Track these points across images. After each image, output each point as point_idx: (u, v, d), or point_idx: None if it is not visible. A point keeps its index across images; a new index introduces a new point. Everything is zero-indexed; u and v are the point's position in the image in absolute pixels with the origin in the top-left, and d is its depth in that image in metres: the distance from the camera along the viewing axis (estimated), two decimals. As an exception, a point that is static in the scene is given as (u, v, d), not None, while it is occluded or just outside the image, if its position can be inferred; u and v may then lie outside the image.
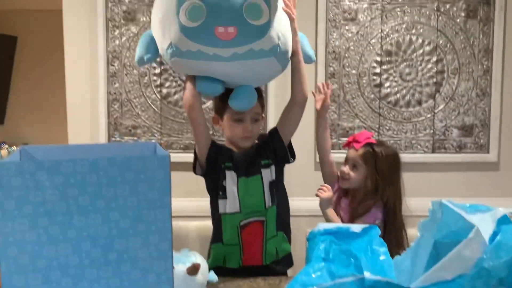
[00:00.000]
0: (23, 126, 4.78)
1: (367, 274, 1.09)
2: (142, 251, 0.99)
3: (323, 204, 1.89)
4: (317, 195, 1.92)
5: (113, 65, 2.47)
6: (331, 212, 1.88)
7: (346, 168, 1.93)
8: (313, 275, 1.18)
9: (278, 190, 1.80)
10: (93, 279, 0.96)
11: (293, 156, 1.85)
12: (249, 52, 1.45)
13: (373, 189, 1.87)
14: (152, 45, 1.62)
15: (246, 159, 1.78)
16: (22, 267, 0.92)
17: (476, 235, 1.04)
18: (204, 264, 1.44)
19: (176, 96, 2.48)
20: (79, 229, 0.95)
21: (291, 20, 1.63)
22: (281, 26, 1.53)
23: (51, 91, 4.60)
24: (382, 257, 1.23)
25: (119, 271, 0.98)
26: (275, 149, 1.81)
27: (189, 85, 1.65)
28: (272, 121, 2.39)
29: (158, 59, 2.39)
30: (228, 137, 1.80)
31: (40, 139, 4.72)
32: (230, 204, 1.74)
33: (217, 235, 1.79)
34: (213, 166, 1.75)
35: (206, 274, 1.46)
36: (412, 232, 1.95)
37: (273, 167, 1.78)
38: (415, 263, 1.19)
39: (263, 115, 1.83)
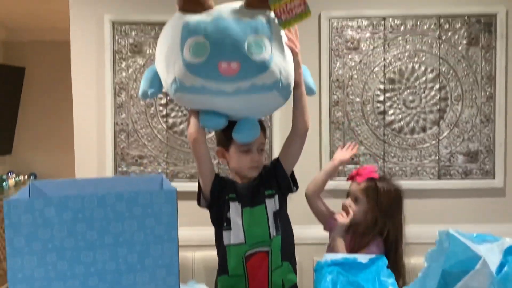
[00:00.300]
0: (30, 155, 4.81)
1: None
2: (150, 286, 1.00)
3: (338, 230, 1.89)
4: (335, 219, 1.92)
5: (120, 96, 2.51)
6: (340, 241, 1.88)
7: (348, 201, 1.94)
8: (321, 307, 1.19)
9: (282, 219, 1.80)
10: (101, 316, 0.96)
11: (296, 185, 1.85)
12: (252, 87, 1.48)
13: (373, 223, 1.88)
14: (156, 79, 1.65)
15: (250, 189, 1.79)
16: (30, 304, 0.93)
17: (483, 266, 1.04)
18: (211, 296, 1.44)
19: (181, 126, 2.51)
20: (87, 265, 0.96)
21: (295, 53, 1.65)
22: (283, 60, 1.56)
23: (58, 121, 4.65)
24: None
25: (127, 306, 0.98)
26: (278, 179, 1.81)
27: (192, 120, 1.67)
28: (277, 151, 2.40)
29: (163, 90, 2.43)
30: (234, 168, 1.81)
31: (47, 169, 4.75)
32: (234, 235, 1.74)
33: (222, 267, 1.79)
34: (217, 198, 1.76)
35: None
36: (418, 260, 1.95)
37: (276, 197, 1.79)
38: None
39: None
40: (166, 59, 1.54)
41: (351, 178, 1.99)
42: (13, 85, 4.66)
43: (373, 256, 1.37)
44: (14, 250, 0.92)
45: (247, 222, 1.74)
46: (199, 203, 1.81)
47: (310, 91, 1.81)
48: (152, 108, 2.51)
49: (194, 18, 1.50)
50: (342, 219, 1.90)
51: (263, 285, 1.75)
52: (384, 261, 1.35)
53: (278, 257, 1.76)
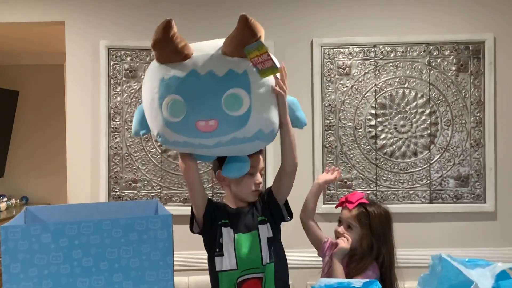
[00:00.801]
0: (22, 179, 4.78)
1: None
2: (146, 312, 1.00)
3: (339, 254, 1.89)
4: (334, 243, 1.92)
5: (114, 121, 2.52)
6: (339, 266, 1.88)
7: (341, 229, 1.94)
8: (314, 335, 1.19)
9: (276, 247, 1.79)
10: None
11: (290, 214, 1.85)
12: (232, 139, 1.49)
13: (369, 249, 1.88)
14: (146, 121, 1.62)
15: (242, 215, 1.79)
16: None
17: (476, 291, 1.05)
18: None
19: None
20: None
21: (281, 96, 1.60)
22: (264, 110, 1.53)
23: (51, 145, 4.64)
24: None
25: (122, 333, 0.98)
26: (271, 208, 1.81)
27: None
28: (270, 179, 2.41)
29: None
30: (236, 192, 1.81)
31: (39, 193, 4.72)
32: (226, 261, 1.72)
33: None
34: (210, 223, 1.76)
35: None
36: (412, 284, 1.95)
37: (269, 225, 1.79)
38: None
39: None
40: (149, 110, 1.54)
41: (341, 204, 2.00)
42: (6, 109, 4.66)
43: (367, 280, 1.37)
44: (10, 276, 0.92)
45: (239, 247, 1.73)
46: (192, 230, 1.80)
47: (299, 124, 1.77)
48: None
49: (169, 74, 1.46)
50: (344, 244, 1.89)
51: None
52: (378, 285, 1.35)
53: (271, 284, 1.75)
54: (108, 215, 1.21)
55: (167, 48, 1.43)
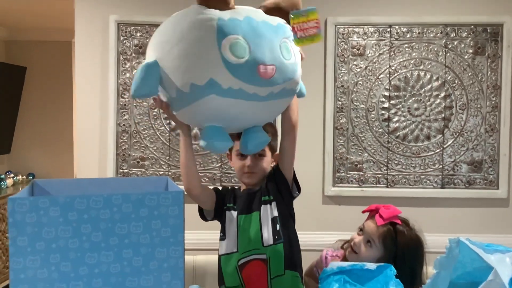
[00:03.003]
0: (29, 155, 4.78)
1: None
2: (154, 290, 0.98)
3: (312, 271, 1.77)
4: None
5: (123, 97, 2.49)
6: (312, 282, 1.80)
7: (358, 240, 1.66)
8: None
9: (285, 227, 1.73)
10: (104, 319, 0.94)
11: (299, 189, 1.80)
12: (281, 91, 1.41)
13: None
14: (152, 80, 1.42)
15: (247, 197, 1.76)
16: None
17: (495, 277, 1.01)
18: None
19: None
20: (91, 266, 0.94)
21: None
22: (299, 62, 1.51)
23: (58, 121, 4.62)
24: None
25: (131, 310, 0.96)
26: (278, 184, 1.76)
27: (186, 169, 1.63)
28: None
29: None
30: (236, 173, 1.81)
31: (45, 169, 4.72)
32: (228, 244, 1.72)
33: (220, 278, 1.76)
34: (220, 210, 1.76)
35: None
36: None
37: (274, 204, 1.74)
38: None
39: (276, 151, 1.80)
40: (184, 58, 1.35)
41: (370, 212, 1.71)
42: (14, 84, 4.64)
43: (381, 264, 1.34)
44: (17, 249, 0.90)
45: (240, 229, 1.71)
46: (203, 218, 1.79)
47: (300, 94, 1.67)
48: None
49: (226, 16, 1.36)
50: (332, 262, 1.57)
51: None
52: (392, 270, 1.31)
53: (280, 265, 1.70)
54: (118, 191, 1.18)
55: None
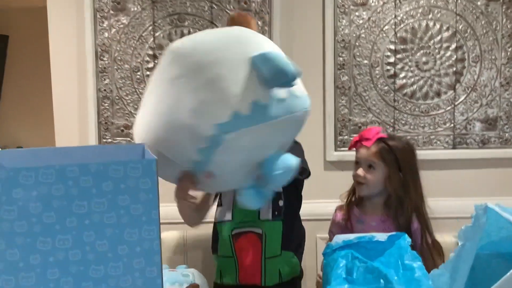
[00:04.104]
0: (17, 128, 4.69)
1: None
2: (125, 280, 0.81)
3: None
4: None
5: (102, 60, 2.32)
6: None
7: (360, 171, 1.71)
8: (336, 301, 1.02)
9: (288, 205, 1.66)
10: (63, 319, 0.78)
11: (305, 171, 1.63)
12: None
13: (402, 188, 1.67)
14: None
15: None
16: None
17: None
18: (204, 284, 1.28)
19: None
20: (44, 254, 0.77)
21: None
22: None
23: (43, 91, 4.48)
24: (417, 274, 1.06)
25: (96, 305, 0.80)
26: None
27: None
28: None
29: (151, 53, 2.25)
30: None
31: (34, 141, 4.60)
32: (223, 212, 1.68)
33: (214, 245, 1.74)
34: None
35: (207, 296, 1.29)
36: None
37: None
38: (455, 278, 1.03)
39: None
40: None
41: (355, 145, 1.76)
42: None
43: (393, 233, 1.20)
44: None
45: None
46: None
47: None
48: (139, 73, 2.31)
49: None
50: None
51: (254, 272, 1.62)
52: (406, 239, 1.17)
53: (276, 245, 1.63)
54: (79, 161, 1.01)
55: None
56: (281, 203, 1.64)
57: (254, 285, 1.62)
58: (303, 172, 1.61)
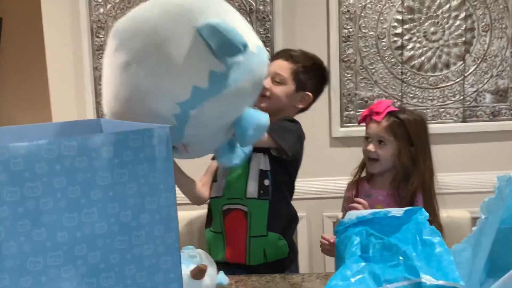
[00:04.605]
0: (15, 110, 4.68)
1: (426, 278, 0.93)
2: (147, 247, 0.85)
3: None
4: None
5: (98, 37, 2.34)
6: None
7: (371, 147, 1.73)
8: (352, 280, 1.02)
9: (275, 185, 1.68)
10: (93, 292, 0.82)
11: (295, 153, 1.67)
12: None
13: (412, 163, 1.70)
14: None
15: None
16: (-1, 291, 0.76)
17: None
18: (212, 265, 1.31)
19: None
20: (71, 230, 0.80)
21: None
22: None
23: (39, 72, 4.48)
24: (438, 250, 1.04)
25: (123, 275, 0.83)
26: None
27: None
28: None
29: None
30: None
31: (29, 122, 4.62)
32: (217, 188, 1.73)
33: (208, 219, 1.80)
34: None
35: (214, 277, 1.32)
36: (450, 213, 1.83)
37: (267, 156, 1.68)
38: (477, 253, 1.04)
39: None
40: None
41: (364, 119, 1.79)
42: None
43: (409, 208, 1.18)
44: None
45: (229, 173, 1.70)
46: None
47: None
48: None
49: None
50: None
51: (240, 250, 1.68)
52: (423, 213, 1.16)
53: (262, 225, 1.67)
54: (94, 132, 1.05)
55: None
56: (266, 182, 1.67)
57: (239, 264, 1.67)
58: (282, 152, 1.64)
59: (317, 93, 1.79)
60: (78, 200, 0.81)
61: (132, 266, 0.85)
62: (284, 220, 1.73)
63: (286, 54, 1.73)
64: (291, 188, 1.77)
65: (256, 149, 1.64)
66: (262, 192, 1.66)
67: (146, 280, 0.86)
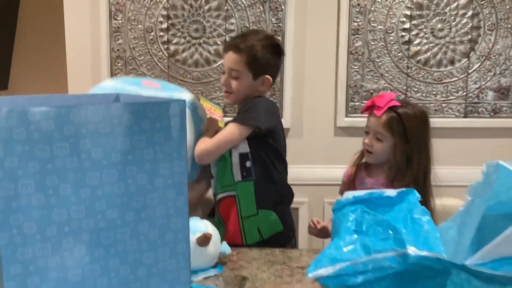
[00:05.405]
0: (27, 91, 4.72)
1: (411, 249, 1.01)
2: (160, 208, 0.94)
3: None
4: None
5: (116, 19, 2.39)
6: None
7: (368, 140, 1.78)
8: (345, 249, 1.10)
9: (257, 164, 1.75)
10: (109, 244, 0.90)
11: (267, 124, 1.74)
12: None
13: (405, 161, 1.73)
14: None
15: None
16: (28, 237, 0.83)
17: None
18: (216, 234, 1.39)
19: (184, 54, 2.41)
20: (93, 188, 0.88)
21: None
22: None
23: (57, 51, 4.50)
24: (426, 227, 1.12)
25: (137, 232, 0.93)
26: None
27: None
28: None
29: (165, 13, 2.33)
30: None
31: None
32: (214, 183, 1.84)
33: (210, 211, 1.90)
34: None
35: (218, 245, 1.41)
36: (439, 201, 1.89)
37: (245, 139, 1.74)
38: (462, 232, 1.10)
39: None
40: None
41: (367, 109, 1.81)
42: (7, 16, 4.49)
43: (403, 189, 1.26)
44: (5, 172, 0.81)
45: (220, 162, 1.78)
46: None
47: None
48: (152, 33, 2.40)
49: None
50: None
51: (236, 233, 1.76)
52: (415, 194, 1.25)
53: (251, 204, 1.75)
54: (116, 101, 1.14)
55: None
56: (248, 164, 1.74)
57: (237, 245, 1.70)
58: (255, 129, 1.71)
59: (275, 69, 1.84)
60: (100, 161, 0.90)
61: (145, 224, 0.94)
62: (273, 196, 1.79)
63: (235, 47, 1.76)
64: (280, 163, 1.81)
65: None
66: (245, 174, 1.74)
67: (157, 237, 0.96)
